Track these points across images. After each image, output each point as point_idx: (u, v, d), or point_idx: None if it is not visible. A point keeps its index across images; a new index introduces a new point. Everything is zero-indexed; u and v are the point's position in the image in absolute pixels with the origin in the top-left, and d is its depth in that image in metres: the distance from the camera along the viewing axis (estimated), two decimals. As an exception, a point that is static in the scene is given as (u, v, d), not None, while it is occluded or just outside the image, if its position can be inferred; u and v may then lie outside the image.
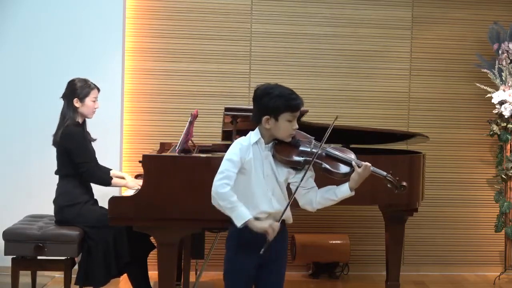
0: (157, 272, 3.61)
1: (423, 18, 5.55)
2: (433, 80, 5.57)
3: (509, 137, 5.27)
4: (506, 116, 5.20)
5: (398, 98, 5.54)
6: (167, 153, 4.46)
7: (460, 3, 5.58)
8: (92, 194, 4.24)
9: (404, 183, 2.88)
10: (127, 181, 4.26)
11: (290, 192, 2.90)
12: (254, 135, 2.85)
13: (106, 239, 3.96)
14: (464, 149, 5.60)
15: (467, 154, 5.60)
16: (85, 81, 4.16)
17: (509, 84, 5.21)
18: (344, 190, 2.86)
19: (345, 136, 4.35)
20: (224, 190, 2.71)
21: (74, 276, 4.01)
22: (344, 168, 2.87)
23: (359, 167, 2.82)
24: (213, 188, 2.74)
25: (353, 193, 2.86)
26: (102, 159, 4.31)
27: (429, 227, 5.56)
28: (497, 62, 5.28)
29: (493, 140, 5.49)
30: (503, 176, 5.34)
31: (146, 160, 3.60)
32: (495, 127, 5.29)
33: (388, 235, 4.36)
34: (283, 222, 2.88)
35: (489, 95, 5.29)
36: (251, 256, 2.83)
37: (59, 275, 4.77)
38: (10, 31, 5.10)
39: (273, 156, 2.85)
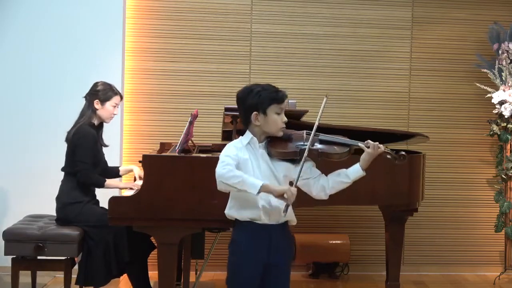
0: (157, 272, 3.60)
1: (423, 18, 5.55)
2: (433, 80, 5.57)
3: (509, 137, 5.27)
4: (506, 116, 5.20)
5: (398, 98, 5.54)
6: (167, 153, 4.46)
7: (460, 3, 5.58)
8: (95, 195, 4.25)
9: (403, 152, 2.88)
10: (118, 183, 4.32)
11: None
12: (244, 137, 2.88)
13: (106, 239, 3.96)
14: (464, 149, 5.60)
15: (467, 154, 5.60)
16: (109, 85, 4.22)
17: (509, 84, 5.21)
18: (356, 170, 2.87)
19: (345, 136, 4.34)
20: (226, 170, 2.69)
21: (74, 276, 4.01)
22: (340, 149, 2.91)
23: (367, 147, 2.84)
24: (216, 176, 2.71)
25: (364, 173, 2.87)
26: (102, 159, 4.32)
27: (429, 227, 5.56)
28: (497, 62, 5.28)
29: (493, 140, 5.49)
30: (503, 176, 5.34)
31: (146, 160, 3.59)
32: (495, 127, 5.28)
33: (388, 235, 4.36)
34: (286, 224, 2.89)
35: (489, 95, 5.28)
36: (255, 260, 2.83)
37: (59, 275, 4.77)
38: (10, 31, 5.10)
39: (269, 153, 2.86)
